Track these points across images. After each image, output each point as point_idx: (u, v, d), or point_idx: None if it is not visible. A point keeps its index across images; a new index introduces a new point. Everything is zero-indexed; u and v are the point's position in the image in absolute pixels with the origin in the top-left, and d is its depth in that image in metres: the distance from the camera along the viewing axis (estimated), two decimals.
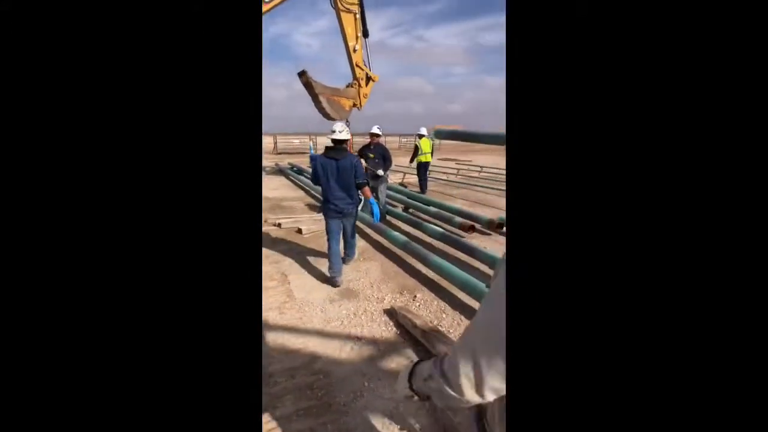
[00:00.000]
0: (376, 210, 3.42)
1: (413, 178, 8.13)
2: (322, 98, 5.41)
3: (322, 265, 3.57)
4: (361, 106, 5.77)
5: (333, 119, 5.59)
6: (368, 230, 4.53)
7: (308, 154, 15.97)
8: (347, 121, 5.62)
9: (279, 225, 4.85)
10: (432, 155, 7.47)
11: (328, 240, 3.16)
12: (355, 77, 5.79)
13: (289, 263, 3.62)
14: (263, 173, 10.84)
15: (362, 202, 3.55)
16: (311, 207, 6.22)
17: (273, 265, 3.58)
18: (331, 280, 3.16)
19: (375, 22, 5.40)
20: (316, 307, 2.75)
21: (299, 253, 3.88)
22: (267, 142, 24.66)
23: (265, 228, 4.82)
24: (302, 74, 5.56)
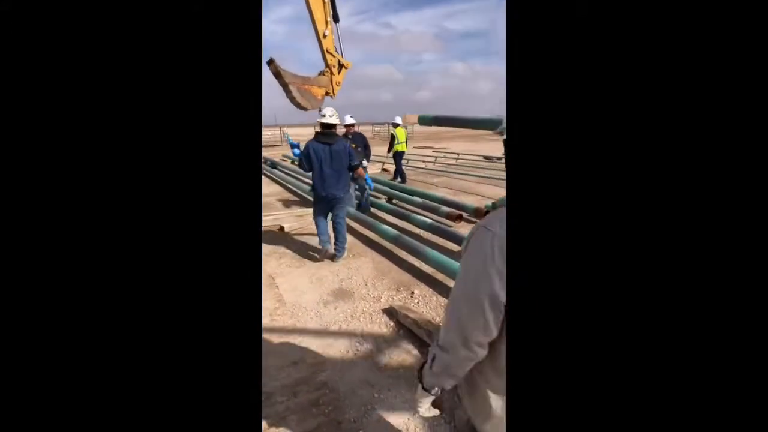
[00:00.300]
0: (370, 182, 3.72)
1: (392, 167, 8.00)
2: (292, 87, 5.17)
3: (310, 264, 3.38)
4: (334, 94, 5.54)
5: (305, 109, 5.34)
6: (355, 224, 4.35)
7: (285, 145, 15.53)
8: (320, 109, 5.41)
9: None
10: (406, 144, 7.51)
11: (315, 219, 3.34)
12: (327, 64, 5.55)
13: (275, 264, 3.41)
14: None
15: (364, 192, 3.92)
16: (290, 203, 5.96)
17: None
18: (321, 252, 3.43)
19: (341, 9, 5.23)
20: (309, 311, 2.57)
21: (284, 254, 3.67)
22: None
23: None
24: (270, 63, 5.27)
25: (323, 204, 3.28)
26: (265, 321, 2.44)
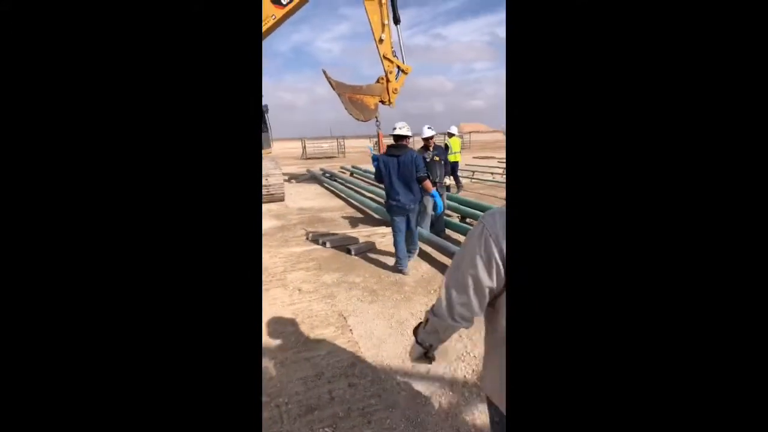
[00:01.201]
0: (439, 201, 3.53)
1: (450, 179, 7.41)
2: (343, 98, 4.85)
3: (385, 298, 2.86)
4: (390, 101, 5.07)
5: (361, 120, 4.95)
6: (435, 253, 3.78)
7: (342, 157, 15.51)
8: (377, 120, 4.99)
9: (324, 244, 4.20)
10: (461, 154, 7.35)
11: (394, 235, 3.36)
12: (384, 71, 5.11)
13: (344, 298, 2.94)
14: (295, 181, 10.35)
15: (433, 204, 3.72)
16: (356, 221, 5.56)
17: (326, 301, 2.90)
18: (398, 269, 3.38)
19: (400, 30, 4.93)
20: (394, 373, 2.03)
21: (354, 284, 3.20)
22: (295, 147, 24.51)
23: (308, 247, 4.19)
24: (324, 73, 5.03)
25: (397, 216, 3.31)
26: (341, 385, 1.94)
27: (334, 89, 5.11)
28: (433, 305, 0.88)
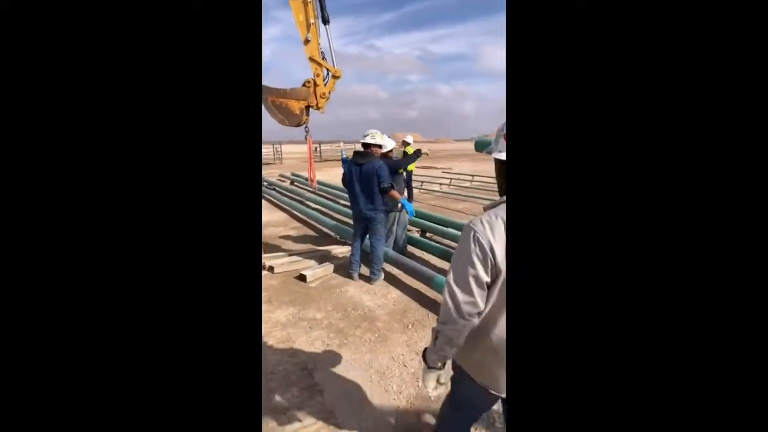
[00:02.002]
0: (408, 206, 3.33)
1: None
2: (265, 102, 4.28)
3: (357, 339, 2.37)
4: (319, 106, 4.63)
5: (286, 125, 4.40)
6: (403, 276, 3.37)
7: (278, 164, 14.47)
8: (306, 127, 4.55)
9: (272, 269, 3.56)
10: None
11: (352, 241, 3.37)
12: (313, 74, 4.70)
13: (305, 342, 2.38)
14: None
15: (396, 213, 3.65)
16: (306, 239, 4.94)
17: (283, 350, 2.31)
18: (350, 275, 3.33)
19: (330, 31, 4.59)
20: None
21: (315, 321, 2.64)
22: None
23: None
24: None
25: (358, 224, 3.29)
26: None
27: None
28: (437, 321, 0.96)
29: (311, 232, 5.21)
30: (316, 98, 4.67)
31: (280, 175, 11.66)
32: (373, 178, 3.07)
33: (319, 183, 9.03)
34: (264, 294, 3.07)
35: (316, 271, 3.40)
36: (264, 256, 3.86)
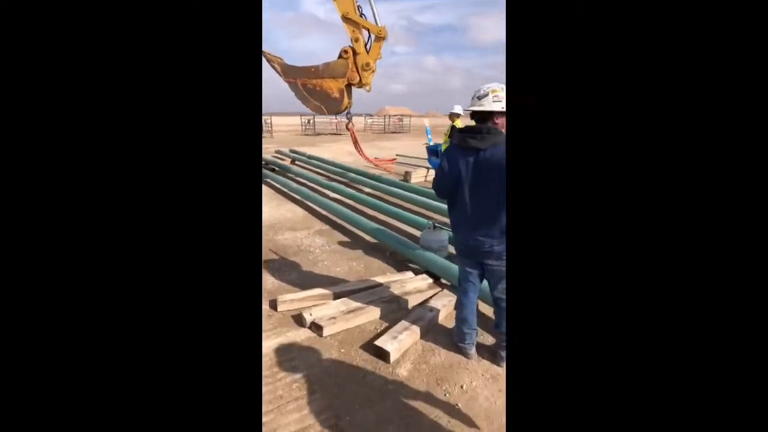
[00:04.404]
0: None
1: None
2: (294, 87, 3.33)
3: None
4: (363, 83, 3.22)
5: (327, 114, 3.40)
6: None
7: (269, 138, 12.77)
8: (347, 113, 3.33)
9: (318, 329, 2.12)
10: None
11: (459, 294, 1.92)
12: (351, 40, 3.25)
13: None
14: None
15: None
16: (331, 253, 3.50)
17: None
18: (462, 351, 1.91)
19: None
20: None
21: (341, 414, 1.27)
22: None
23: (283, 337, 2.09)
24: (264, 55, 3.16)
25: (467, 262, 1.81)
26: None
27: (281, 76, 3.47)
28: None
29: (340, 235, 3.79)
30: (359, 71, 3.12)
31: (276, 152, 9.93)
32: (501, 174, 1.52)
33: (332, 164, 7.48)
34: (315, 392, 1.64)
35: (403, 342, 1.98)
36: (290, 297, 2.40)
